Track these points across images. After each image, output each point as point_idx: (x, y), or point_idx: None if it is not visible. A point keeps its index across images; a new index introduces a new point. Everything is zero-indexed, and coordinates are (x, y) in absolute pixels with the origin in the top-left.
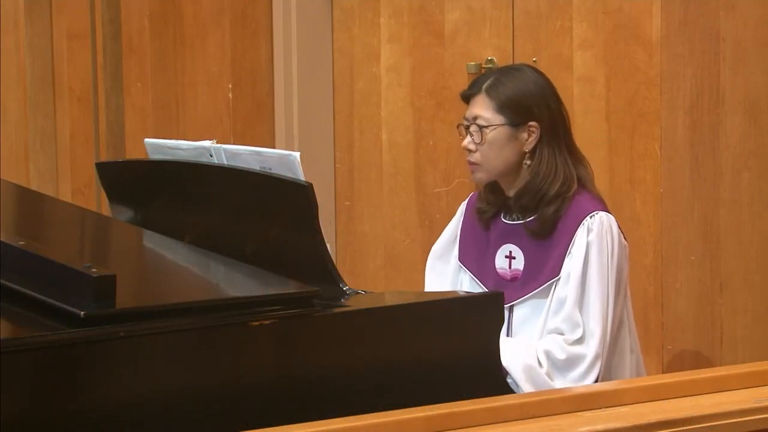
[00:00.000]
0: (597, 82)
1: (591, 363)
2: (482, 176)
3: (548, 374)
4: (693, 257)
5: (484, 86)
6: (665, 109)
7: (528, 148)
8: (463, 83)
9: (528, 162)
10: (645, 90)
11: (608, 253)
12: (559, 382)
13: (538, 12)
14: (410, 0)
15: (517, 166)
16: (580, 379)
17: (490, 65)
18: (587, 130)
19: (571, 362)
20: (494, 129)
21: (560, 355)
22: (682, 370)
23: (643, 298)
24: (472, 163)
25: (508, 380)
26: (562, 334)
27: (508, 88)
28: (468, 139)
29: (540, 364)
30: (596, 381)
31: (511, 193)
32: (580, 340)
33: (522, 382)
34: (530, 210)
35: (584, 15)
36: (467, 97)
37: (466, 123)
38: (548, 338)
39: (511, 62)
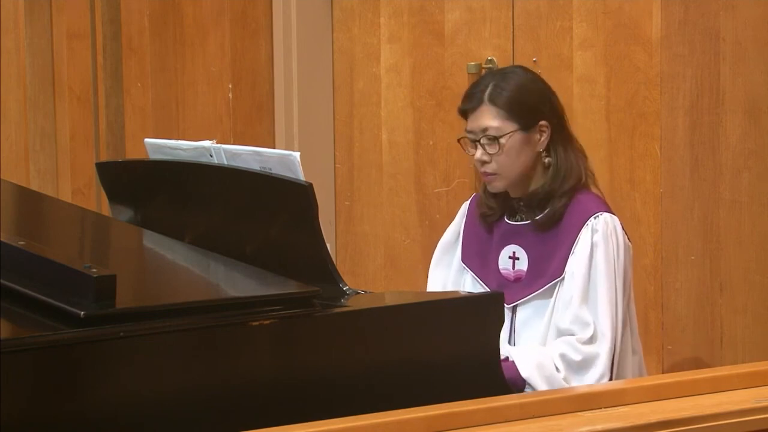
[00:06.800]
0: (597, 82)
1: (605, 363)
2: (500, 184)
3: (566, 379)
4: (693, 257)
5: (486, 96)
6: (665, 109)
7: (541, 147)
8: (463, 83)
9: (546, 161)
10: (645, 90)
11: (614, 254)
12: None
13: (538, 12)
14: (410, 0)
15: (532, 168)
16: (596, 381)
17: (490, 65)
18: (587, 130)
19: (586, 363)
20: (509, 136)
21: (575, 357)
22: (682, 370)
23: (643, 298)
24: (488, 174)
25: (528, 390)
26: (573, 334)
27: (511, 92)
28: (480, 151)
29: (557, 369)
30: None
31: (519, 194)
32: (591, 339)
33: None
34: (540, 207)
35: (584, 15)
36: (466, 112)
37: (472, 137)
38: (560, 341)
39: (511, 62)
